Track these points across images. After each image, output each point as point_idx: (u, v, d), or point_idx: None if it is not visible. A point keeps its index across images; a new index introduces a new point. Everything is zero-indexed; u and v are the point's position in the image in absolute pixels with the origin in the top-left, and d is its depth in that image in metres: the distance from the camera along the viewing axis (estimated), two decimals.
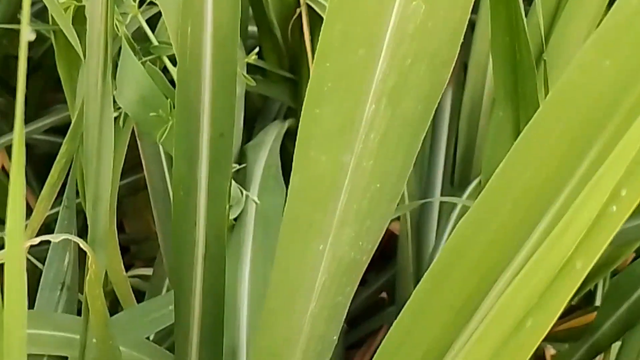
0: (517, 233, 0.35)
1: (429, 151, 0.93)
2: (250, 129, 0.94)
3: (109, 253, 0.65)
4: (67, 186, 0.67)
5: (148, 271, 0.90)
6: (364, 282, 1.03)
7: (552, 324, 0.34)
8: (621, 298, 0.72)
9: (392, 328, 0.40)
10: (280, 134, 0.82)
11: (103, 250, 0.54)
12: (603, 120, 0.31)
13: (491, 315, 0.36)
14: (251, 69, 0.84)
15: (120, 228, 1.12)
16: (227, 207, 0.56)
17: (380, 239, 0.45)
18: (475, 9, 0.94)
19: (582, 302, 0.91)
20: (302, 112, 0.40)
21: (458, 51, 0.39)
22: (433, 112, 0.41)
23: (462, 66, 0.97)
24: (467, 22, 0.38)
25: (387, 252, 1.10)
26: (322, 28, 0.37)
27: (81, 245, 0.52)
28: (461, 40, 0.39)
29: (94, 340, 0.53)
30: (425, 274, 0.38)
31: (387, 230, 1.05)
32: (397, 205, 0.84)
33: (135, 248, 1.07)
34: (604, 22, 0.30)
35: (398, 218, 0.94)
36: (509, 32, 0.55)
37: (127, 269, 1.01)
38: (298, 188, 0.41)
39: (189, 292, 0.56)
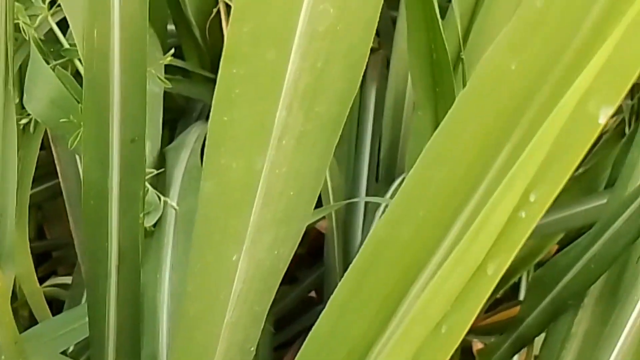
0: (434, 233, 0.34)
1: (355, 148, 0.92)
2: (173, 130, 0.92)
3: (21, 265, 0.63)
4: None
5: (68, 279, 0.88)
6: (293, 280, 1.02)
7: (466, 330, 0.34)
8: (544, 290, 0.72)
9: (313, 330, 0.39)
10: (202, 135, 0.80)
11: (11, 264, 0.52)
12: (512, 123, 0.31)
13: (408, 320, 0.35)
14: (171, 69, 0.82)
15: (42, 234, 1.09)
16: (142, 214, 0.54)
17: (296, 245, 0.44)
18: (396, 5, 0.94)
19: (508, 295, 0.92)
20: (210, 119, 0.38)
21: (369, 51, 0.38)
22: (347, 113, 0.40)
23: (386, 62, 0.97)
24: (376, 23, 0.37)
25: (314, 250, 1.09)
26: (228, 30, 0.36)
27: None
28: (372, 40, 0.38)
29: (3, 357, 0.50)
30: (346, 273, 0.38)
31: (314, 228, 1.04)
32: (323, 204, 0.83)
33: (57, 254, 1.04)
34: (511, 24, 0.30)
35: (325, 217, 0.94)
36: (425, 30, 0.54)
37: (48, 276, 0.97)
38: (210, 195, 0.40)
39: (104, 302, 0.54)
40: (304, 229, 0.44)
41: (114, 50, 0.48)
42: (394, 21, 0.95)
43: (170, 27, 0.90)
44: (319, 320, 0.41)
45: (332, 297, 0.40)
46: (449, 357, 0.35)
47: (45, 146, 0.91)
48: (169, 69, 0.78)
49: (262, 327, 0.47)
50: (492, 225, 0.31)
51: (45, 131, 0.73)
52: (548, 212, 0.31)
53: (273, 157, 0.40)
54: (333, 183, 0.84)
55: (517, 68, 0.30)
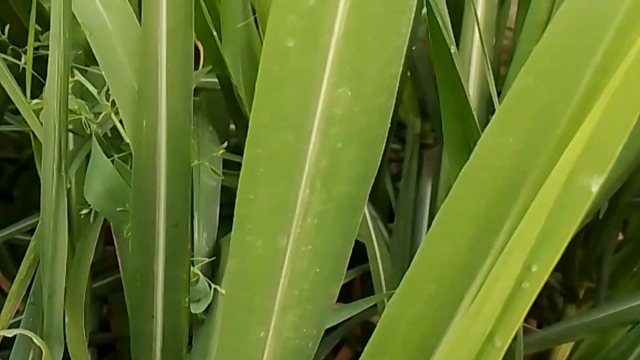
0: (443, 307, 0.35)
1: (410, 241, 0.92)
2: (231, 224, 0.94)
3: (74, 349, 0.65)
4: (34, 282, 0.67)
5: None
6: None
7: None
8: None
9: None
10: None
11: (59, 345, 0.54)
12: (511, 196, 0.32)
13: None
14: (231, 164, 0.85)
15: (107, 327, 1.12)
16: (187, 299, 0.56)
17: (324, 325, 0.44)
18: None
19: None
20: (237, 197, 0.40)
21: (387, 133, 0.40)
22: (367, 193, 0.41)
23: (440, 158, 0.98)
24: (392, 106, 0.39)
25: None
26: (251, 114, 0.38)
27: (35, 340, 0.51)
28: (389, 123, 0.39)
29: None
30: (364, 351, 0.38)
31: (372, 324, 1.04)
32: (376, 293, 0.83)
33: (120, 346, 1.06)
34: (505, 101, 0.31)
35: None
36: (459, 119, 0.55)
37: None
38: (235, 272, 0.41)
39: None
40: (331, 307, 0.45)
41: (160, 139, 0.52)
42: None
43: (232, 126, 0.94)
44: None
45: None
46: None
47: (111, 241, 0.95)
48: (228, 164, 0.81)
49: None
50: (496, 296, 0.32)
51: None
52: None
53: (297, 235, 0.41)
54: (385, 274, 0.84)
55: (514, 142, 0.31)
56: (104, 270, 0.91)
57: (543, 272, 0.30)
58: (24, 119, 1.06)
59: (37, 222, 0.99)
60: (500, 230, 0.32)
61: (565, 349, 0.93)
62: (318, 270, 0.42)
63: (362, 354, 0.39)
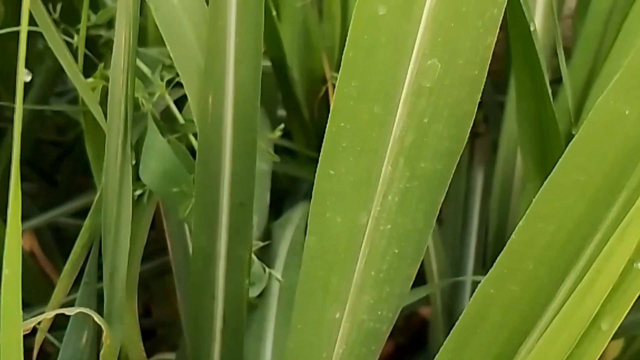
0: (544, 286, 0.33)
1: (461, 231, 0.91)
2: (279, 210, 0.93)
3: (129, 333, 0.64)
4: (88, 263, 0.66)
5: (171, 355, 0.88)
6: None
7: None
8: None
9: None
10: (307, 213, 0.81)
11: (119, 324, 0.53)
12: (627, 169, 0.30)
13: None
14: (279, 150, 0.84)
15: (148, 312, 1.11)
16: (247, 279, 0.54)
17: (399, 308, 0.43)
18: (503, 90, 0.94)
19: None
20: (317, 172, 0.39)
21: (476, 108, 0.38)
22: (452, 171, 0.39)
23: (493, 145, 0.96)
24: (484, 80, 0.37)
25: (417, 339, 1.06)
26: (336, 85, 0.37)
27: (95, 319, 0.50)
28: (479, 97, 0.38)
29: None
30: (449, 335, 0.36)
31: (418, 315, 1.02)
32: (427, 283, 0.82)
33: (162, 332, 1.05)
34: (622, 71, 0.29)
35: (428, 303, 0.92)
36: (534, 99, 0.54)
37: (152, 354, 0.99)
38: (313, 250, 0.40)
39: None
40: (407, 294, 0.43)
41: (227, 115, 0.50)
42: (501, 106, 0.95)
43: (280, 113, 0.93)
44: None
45: None
46: None
47: (153, 226, 0.94)
48: (276, 150, 0.80)
49: None
50: (606, 277, 0.30)
51: (157, 210, 0.75)
52: None
53: (377, 213, 0.39)
54: (439, 265, 0.83)
55: (630, 113, 0.29)
56: (146, 257, 0.90)
57: None
58: (67, 102, 1.06)
59: (82, 204, 0.99)
60: (613, 204, 0.30)
61: (617, 344, 0.90)
62: (397, 250, 0.41)
63: (447, 339, 0.37)
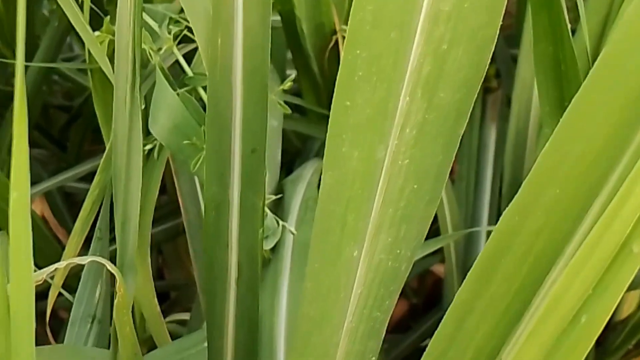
0: (570, 211, 0.32)
1: (474, 187, 0.89)
2: (290, 169, 0.92)
3: (141, 287, 0.63)
4: (99, 218, 0.66)
5: (186, 315, 0.88)
6: (407, 328, 0.99)
7: (608, 318, 0.31)
8: None
9: (436, 332, 0.37)
10: (318, 169, 0.80)
11: (132, 274, 0.52)
12: None
13: (541, 311, 0.32)
14: (290, 108, 0.83)
15: (161, 275, 1.11)
16: (262, 228, 0.53)
17: (417, 248, 0.42)
18: (515, 44, 0.92)
19: None
20: (333, 104, 0.38)
21: (497, 34, 0.37)
22: (472, 101, 0.38)
23: (506, 100, 0.95)
24: (505, 2, 0.36)
25: (431, 297, 1.05)
26: (351, 11, 0.35)
27: (108, 267, 0.50)
28: (500, 21, 0.36)
29: None
30: (471, 269, 0.35)
31: (431, 273, 1.01)
32: (441, 235, 0.81)
33: (175, 294, 1.05)
34: None
35: (442, 261, 0.91)
36: (552, 40, 0.52)
37: (165, 316, 0.98)
38: (330, 187, 0.39)
39: (222, 317, 0.53)
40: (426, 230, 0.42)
41: (236, 57, 0.49)
42: (514, 59, 0.93)
43: (290, 73, 0.92)
44: (442, 321, 0.38)
45: (456, 295, 0.38)
46: (588, 350, 0.32)
47: (164, 190, 0.93)
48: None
49: (381, 340, 0.45)
50: (636, 197, 0.29)
51: (168, 173, 0.74)
52: None
53: (395, 147, 0.38)
54: (453, 219, 0.82)
55: None
56: (157, 219, 0.89)
57: None
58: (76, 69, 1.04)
59: (91, 168, 0.98)
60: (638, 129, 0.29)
61: (633, 296, 0.89)
62: (415, 186, 0.40)
63: (469, 273, 0.36)
